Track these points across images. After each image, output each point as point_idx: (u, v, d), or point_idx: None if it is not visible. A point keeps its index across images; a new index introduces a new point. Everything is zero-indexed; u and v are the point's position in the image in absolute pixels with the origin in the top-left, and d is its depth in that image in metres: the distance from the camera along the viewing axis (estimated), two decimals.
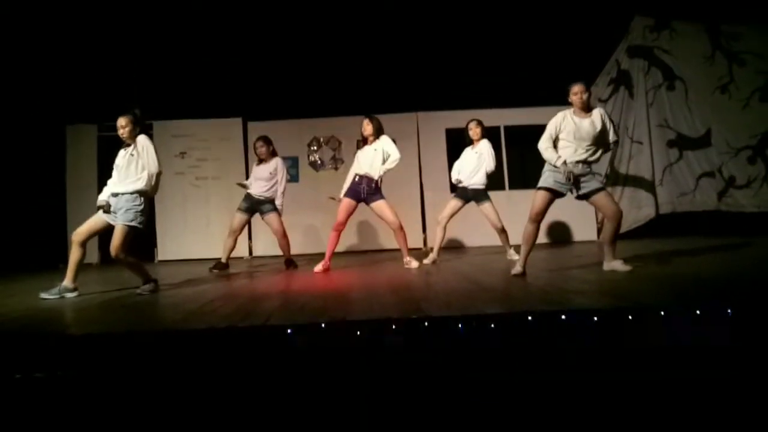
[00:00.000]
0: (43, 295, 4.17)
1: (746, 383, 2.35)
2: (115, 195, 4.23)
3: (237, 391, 2.44)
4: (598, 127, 4.16)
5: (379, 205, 5.33)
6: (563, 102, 8.68)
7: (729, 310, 2.70)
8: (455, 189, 6.00)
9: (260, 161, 6.07)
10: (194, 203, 8.26)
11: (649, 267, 4.46)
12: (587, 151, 4.14)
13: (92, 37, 7.61)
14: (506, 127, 8.32)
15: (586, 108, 4.22)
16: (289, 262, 6.01)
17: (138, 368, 2.56)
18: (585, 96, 4.20)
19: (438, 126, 8.46)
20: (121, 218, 4.14)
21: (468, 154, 5.89)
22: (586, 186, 4.15)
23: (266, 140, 6.12)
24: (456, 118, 8.49)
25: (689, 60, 8.49)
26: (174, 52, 7.89)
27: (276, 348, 2.63)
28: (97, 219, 4.27)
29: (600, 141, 4.20)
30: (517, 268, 4.26)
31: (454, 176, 5.95)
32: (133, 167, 4.22)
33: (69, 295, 4.20)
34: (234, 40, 7.93)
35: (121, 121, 4.25)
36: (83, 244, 4.25)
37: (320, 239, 7.94)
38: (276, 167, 6.03)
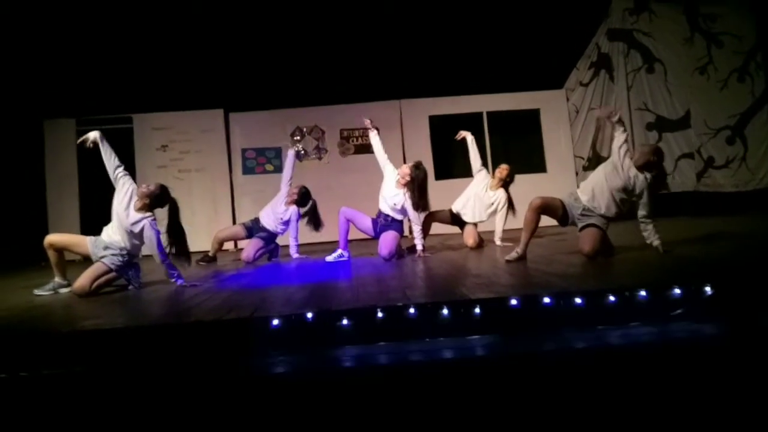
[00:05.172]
0: (37, 292, 4.16)
1: (727, 358, 2.41)
2: (106, 240, 4.18)
3: (224, 384, 2.44)
4: None
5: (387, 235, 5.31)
6: (545, 86, 8.71)
7: (708, 289, 2.76)
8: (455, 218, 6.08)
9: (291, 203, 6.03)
10: (178, 196, 7.87)
11: (630, 250, 4.52)
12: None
13: (69, 30, 7.47)
14: (489, 113, 8.33)
15: None
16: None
17: (125, 364, 2.56)
18: None
19: (421, 113, 8.44)
20: (107, 260, 4.10)
21: (481, 192, 6.06)
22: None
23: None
24: (439, 105, 8.50)
25: (668, 42, 8.55)
26: (153, 43, 7.77)
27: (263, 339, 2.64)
28: (82, 242, 4.21)
29: None
30: (514, 255, 4.28)
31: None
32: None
33: (63, 290, 4.22)
34: (214, 29, 7.83)
35: (151, 189, 4.41)
36: (54, 249, 4.20)
37: (305, 229, 7.91)
38: (291, 214, 6.06)
